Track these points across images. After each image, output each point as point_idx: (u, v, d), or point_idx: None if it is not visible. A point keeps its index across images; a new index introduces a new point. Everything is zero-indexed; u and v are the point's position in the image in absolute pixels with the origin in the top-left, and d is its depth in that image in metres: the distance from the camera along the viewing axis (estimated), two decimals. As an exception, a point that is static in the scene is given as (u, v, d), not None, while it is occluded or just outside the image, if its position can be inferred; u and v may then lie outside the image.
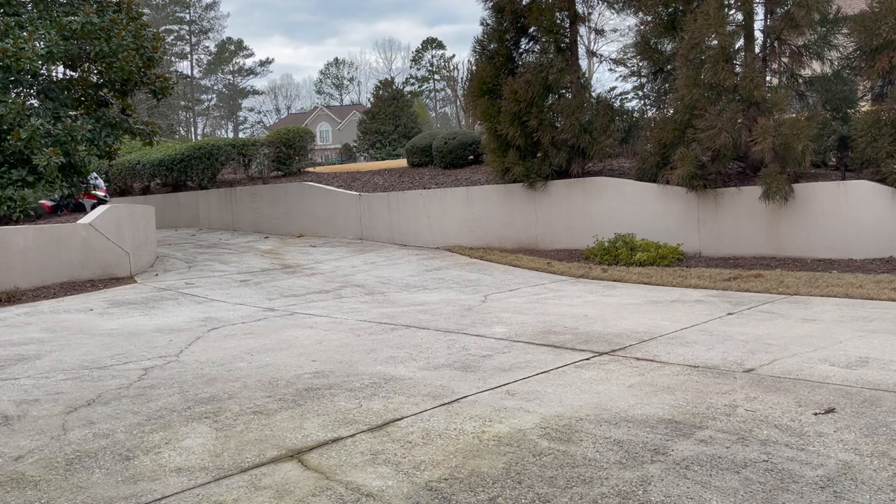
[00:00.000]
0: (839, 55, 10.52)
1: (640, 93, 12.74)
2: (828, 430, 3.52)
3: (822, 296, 7.28)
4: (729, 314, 6.61)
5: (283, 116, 77.80)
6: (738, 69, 10.04)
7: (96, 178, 14.59)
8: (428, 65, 73.31)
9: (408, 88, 61.30)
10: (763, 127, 9.31)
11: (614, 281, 9.12)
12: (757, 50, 10.45)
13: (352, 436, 3.73)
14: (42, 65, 12.07)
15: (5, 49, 10.94)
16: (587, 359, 5.17)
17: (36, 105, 12.49)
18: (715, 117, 9.66)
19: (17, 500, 3.10)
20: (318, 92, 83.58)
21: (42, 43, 11.63)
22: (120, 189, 21.90)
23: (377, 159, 32.63)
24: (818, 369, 4.60)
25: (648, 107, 12.77)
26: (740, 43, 10.40)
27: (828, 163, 10.52)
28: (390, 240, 14.82)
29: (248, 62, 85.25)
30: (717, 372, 4.65)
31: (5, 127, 11.28)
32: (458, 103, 52.47)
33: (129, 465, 3.44)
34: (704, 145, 9.86)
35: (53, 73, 13.57)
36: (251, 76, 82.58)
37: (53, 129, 11.51)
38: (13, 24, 11.73)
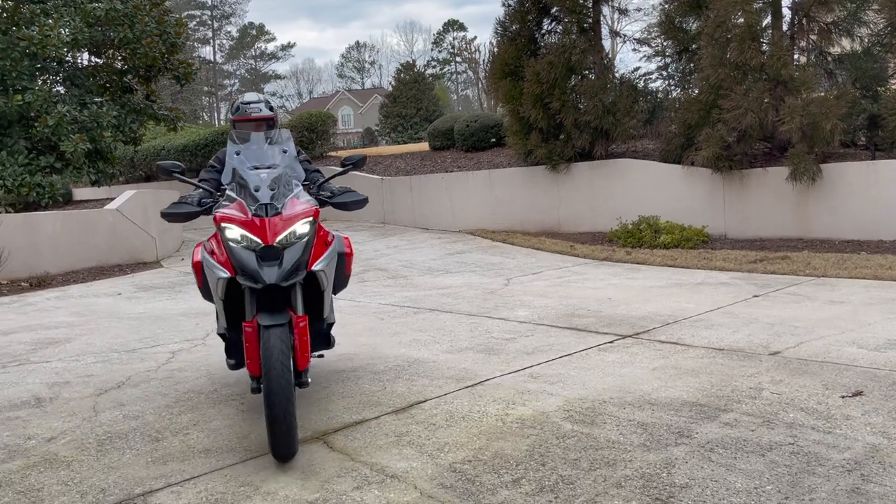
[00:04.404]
0: (869, 32, 10.28)
1: (665, 73, 12.55)
2: (855, 413, 3.48)
3: (849, 278, 7.17)
4: (755, 296, 6.55)
5: (304, 101, 77.90)
6: (764, 48, 9.86)
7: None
8: (449, 47, 72.86)
9: (429, 71, 61.00)
10: (791, 106, 9.14)
11: (638, 264, 9.06)
12: (784, 27, 10.25)
13: (376, 418, 3.76)
14: (67, 52, 12.19)
15: (31, 37, 11.06)
16: (611, 342, 5.15)
17: (62, 92, 12.64)
18: (741, 97, 9.50)
19: (50, 479, 3.18)
20: (340, 76, 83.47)
21: (67, 30, 11.74)
22: (145, 175, 22.16)
23: (399, 143, 32.57)
24: (845, 352, 4.55)
25: (673, 87, 12.58)
26: (767, 21, 10.20)
27: (857, 142, 10.32)
28: (412, 223, 14.83)
29: (270, 47, 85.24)
30: (743, 355, 4.62)
31: (32, 114, 11.44)
32: (480, 85, 52.17)
33: (159, 446, 3.51)
34: (730, 126, 9.71)
35: (78, 60, 13.70)
36: (273, 60, 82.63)
37: (80, 116, 11.64)
38: (38, 11, 11.85)
